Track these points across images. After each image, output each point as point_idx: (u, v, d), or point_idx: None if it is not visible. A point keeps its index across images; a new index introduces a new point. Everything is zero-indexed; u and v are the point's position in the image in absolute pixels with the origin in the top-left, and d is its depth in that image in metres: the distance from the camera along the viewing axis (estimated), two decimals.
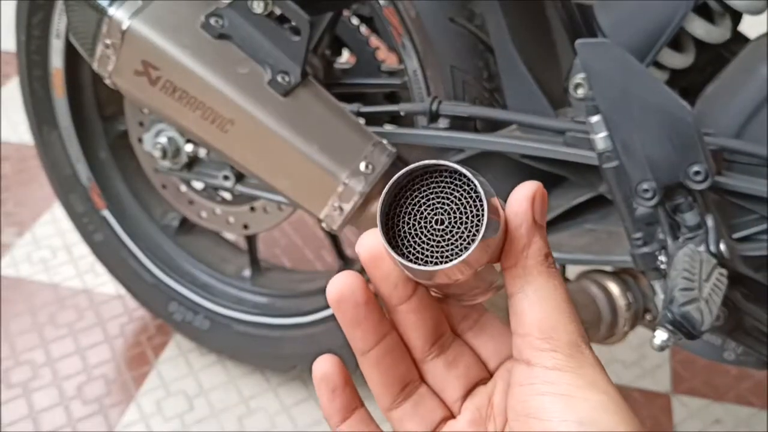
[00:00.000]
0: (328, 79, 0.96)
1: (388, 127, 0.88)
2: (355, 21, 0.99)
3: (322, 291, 1.05)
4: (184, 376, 1.14)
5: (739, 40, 0.76)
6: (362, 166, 0.68)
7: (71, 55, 1.01)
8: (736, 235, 0.62)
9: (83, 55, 0.71)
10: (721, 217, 0.60)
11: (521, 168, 0.74)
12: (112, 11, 0.68)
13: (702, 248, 0.58)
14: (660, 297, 0.65)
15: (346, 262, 1.05)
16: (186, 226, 1.13)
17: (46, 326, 1.21)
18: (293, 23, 0.70)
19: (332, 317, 1.00)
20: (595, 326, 0.73)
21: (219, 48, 0.69)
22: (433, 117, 0.75)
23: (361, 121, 0.75)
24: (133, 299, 1.17)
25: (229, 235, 1.19)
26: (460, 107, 0.75)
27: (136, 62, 0.69)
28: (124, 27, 0.68)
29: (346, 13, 0.97)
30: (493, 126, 0.77)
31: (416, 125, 0.84)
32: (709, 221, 0.59)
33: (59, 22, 0.98)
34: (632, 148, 0.60)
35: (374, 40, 1.00)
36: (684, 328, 0.53)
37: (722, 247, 0.59)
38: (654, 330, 0.70)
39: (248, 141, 0.69)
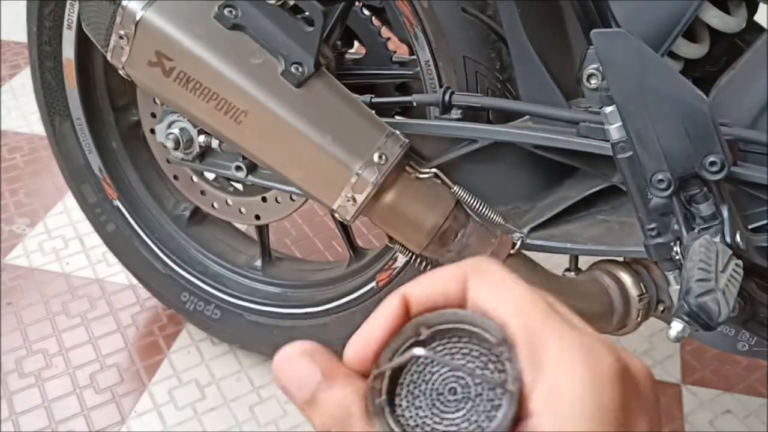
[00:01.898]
0: (339, 70, 0.96)
1: (400, 118, 0.88)
2: (366, 12, 0.99)
3: (334, 281, 1.06)
4: (195, 366, 1.14)
5: (754, 29, 0.76)
6: (375, 156, 0.68)
7: (83, 46, 1.01)
8: (751, 226, 0.62)
9: (98, 46, 0.71)
10: (736, 207, 0.60)
11: (534, 159, 0.74)
12: (126, 2, 0.68)
13: (717, 239, 0.58)
14: (674, 288, 0.65)
15: (357, 252, 1.05)
16: (198, 216, 1.14)
17: (59, 316, 1.21)
18: (306, 14, 0.70)
19: (343, 307, 1.01)
20: (607, 317, 0.73)
21: (232, 39, 0.69)
22: (446, 108, 0.75)
23: (373, 112, 0.75)
24: (145, 289, 1.18)
25: (240, 225, 1.20)
26: (473, 98, 0.75)
27: (149, 53, 0.69)
28: (138, 17, 0.68)
29: (357, 3, 0.96)
30: (506, 117, 0.77)
31: (428, 116, 0.84)
32: (725, 212, 0.59)
33: (71, 13, 0.98)
34: (647, 139, 0.60)
35: (385, 31, 1.00)
36: (701, 320, 0.53)
37: (738, 237, 0.59)
38: (668, 321, 0.70)
39: (261, 132, 0.69)
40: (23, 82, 1.78)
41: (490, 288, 0.27)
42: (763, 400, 1.08)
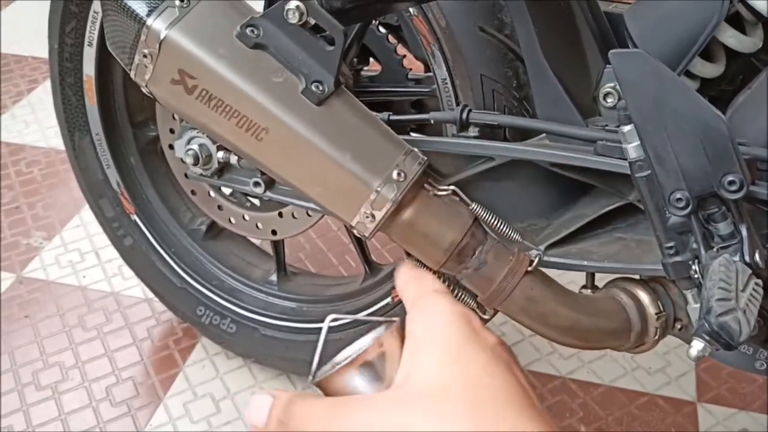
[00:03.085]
0: (356, 87, 0.97)
1: (417, 135, 0.89)
2: (382, 29, 1.00)
3: (349, 296, 1.06)
4: (211, 379, 1.15)
5: None
6: (395, 174, 0.69)
7: (103, 63, 1.03)
8: None
9: (121, 64, 0.72)
10: (755, 226, 0.60)
11: (550, 176, 0.75)
12: (150, 21, 0.69)
13: (737, 258, 0.58)
14: (692, 306, 0.65)
15: (372, 267, 1.06)
16: (214, 230, 1.15)
17: (75, 329, 1.23)
18: (327, 33, 0.71)
19: (358, 323, 1.01)
20: (624, 334, 0.73)
21: (254, 58, 0.69)
22: (463, 125, 0.76)
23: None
24: (161, 303, 1.19)
25: (256, 240, 1.20)
26: (490, 116, 0.76)
27: (172, 71, 0.70)
28: (162, 36, 0.69)
29: (373, 21, 0.97)
30: (523, 135, 0.78)
31: (445, 134, 0.85)
32: (744, 231, 0.59)
33: (92, 30, 1.00)
34: (665, 158, 0.61)
35: (401, 48, 1.01)
36: (722, 339, 0.53)
37: (757, 257, 0.59)
38: (685, 339, 0.70)
39: (282, 149, 0.70)
40: (41, 97, 1.80)
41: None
42: None
